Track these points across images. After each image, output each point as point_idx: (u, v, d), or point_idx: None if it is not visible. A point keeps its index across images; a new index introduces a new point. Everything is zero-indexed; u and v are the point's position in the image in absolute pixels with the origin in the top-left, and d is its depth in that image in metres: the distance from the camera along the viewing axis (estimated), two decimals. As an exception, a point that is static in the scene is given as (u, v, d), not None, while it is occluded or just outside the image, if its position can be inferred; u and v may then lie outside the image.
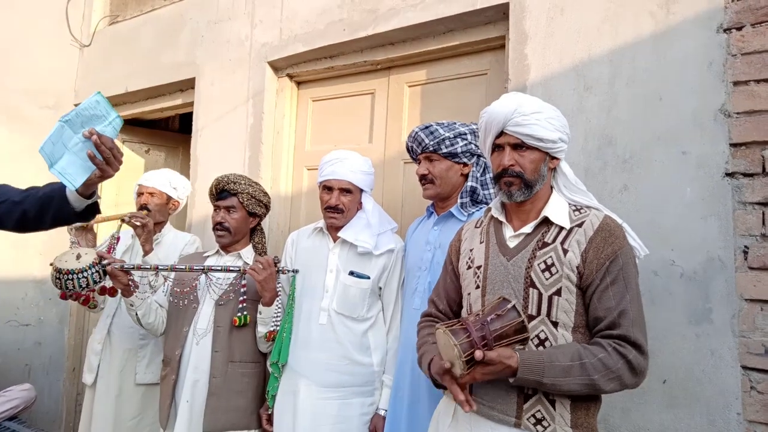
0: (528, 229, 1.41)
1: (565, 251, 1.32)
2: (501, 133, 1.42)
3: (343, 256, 2.07)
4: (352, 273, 2.03)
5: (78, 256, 2.07)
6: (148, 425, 2.45)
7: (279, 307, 2.13)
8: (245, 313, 2.13)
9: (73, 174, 1.43)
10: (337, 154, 2.11)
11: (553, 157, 1.44)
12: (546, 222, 1.40)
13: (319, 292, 2.06)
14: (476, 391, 1.37)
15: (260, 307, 2.12)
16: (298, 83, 3.06)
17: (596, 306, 1.30)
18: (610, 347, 1.25)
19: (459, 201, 1.90)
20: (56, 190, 1.51)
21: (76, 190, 1.49)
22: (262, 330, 2.14)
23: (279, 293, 2.14)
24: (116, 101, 3.81)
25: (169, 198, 2.66)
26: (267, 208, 2.36)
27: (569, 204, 1.44)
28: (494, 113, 1.41)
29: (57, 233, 3.62)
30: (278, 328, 2.11)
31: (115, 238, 2.45)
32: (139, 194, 2.62)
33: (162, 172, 2.71)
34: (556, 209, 1.40)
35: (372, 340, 2.03)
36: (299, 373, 2.02)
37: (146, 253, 2.39)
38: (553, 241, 1.35)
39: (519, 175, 1.39)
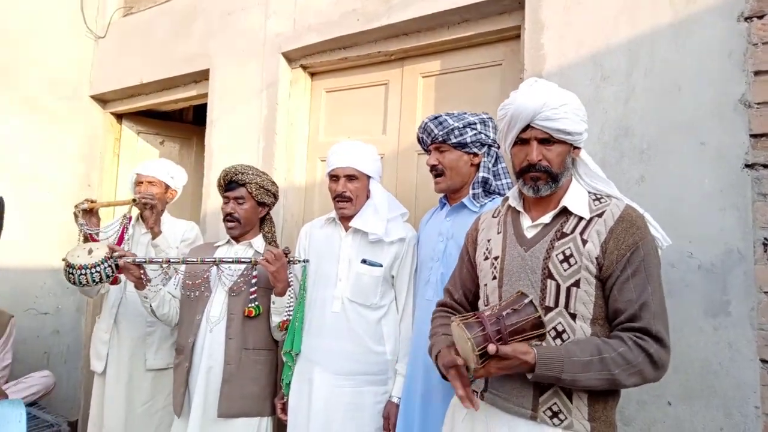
0: (546, 219, 1.39)
1: (585, 242, 1.30)
2: (527, 127, 1.37)
3: (355, 245, 2.08)
4: (364, 261, 2.04)
5: (90, 251, 2.10)
6: (159, 410, 2.49)
7: (291, 297, 2.15)
8: (257, 303, 2.15)
9: None
10: (342, 144, 2.14)
11: (575, 147, 1.41)
12: (565, 212, 1.37)
13: (332, 280, 2.08)
14: (492, 384, 1.36)
15: (273, 297, 2.15)
16: (312, 74, 3.06)
17: (616, 298, 1.27)
18: (631, 341, 1.23)
19: (471, 192, 1.89)
20: None
21: None
22: (275, 319, 2.17)
23: (291, 283, 2.16)
24: (131, 92, 3.84)
25: (167, 187, 2.69)
26: (275, 197, 2.38)
27: (589, 193, 1.41)
28: (521, 107, 1.36)
29: (74, 225, 3.69)
30: (291, 317, 2.13)
31: (128, 218, 2.48)
32: (138, 183, 2.65)
33: (160, 161, 2.75)
34: (576, 199, 1.38)
35: (385, 329, 2.04)
36: (313, 362, 2.04)
37: (155, 235, 2.42)
38: (572, 231, 1.33)
39: (546, 169, 1.36)
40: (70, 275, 2.07)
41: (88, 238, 2.35)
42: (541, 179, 1.37)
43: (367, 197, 2.13)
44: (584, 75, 2.03)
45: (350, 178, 2.07)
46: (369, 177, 2.11)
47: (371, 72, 2.82)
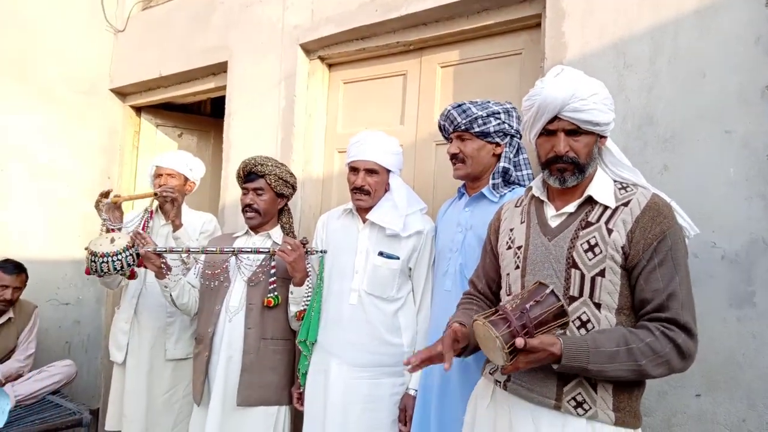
0: (571, 208, 1.37)
1: (610, 231, 1.28)
2: (554, 118, 1.34)
3: (372, 237, 2.08)
4: (381, 253, 2.04)
5: (112, 240, 2.13)
6: (179, 399, 2.52)
7: (309, 287, 2.16)
8: (276, 293, 2.17)
9: None
10: (363, 135, 2.10)
11: (602, 136, 1.38)
12: (590, 201, 1.35)
13: (349, 272, 2.07)
14: (514, 374, 1.35)
15: (291, 287, 2.16)
16: (330, 65, 3.05)
17: (643, 288, 1.25)
18: (658, 331, 1.21)
19: (491, 182, 1.87)
20: None
21: None
22: (293, 309, 2.19)
23: (309, 273, 2.17)
24: (150, 86, 3.87)
25: (186, 179, 2.71)
26: (294, 188, 2.38)
27: (615, 182, 1.39)
28: (549, 98, 1.33)
29: (95, 217, 3.73)
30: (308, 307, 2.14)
31: (149, 212, 2.51)
32: (158, 175, 2.67)
33: (179, 153, 2.77)
34: (601, 188, 1.36)
35: (402, 321, 2.04)
36: (330, 353, 2.05)
37: (176, 228, 2.45)
38: (597, 220, 1.31)
39: (573, 161, 1.34)
40: (93, 263, 2.10)
41: (110, 232, 2.37)
42: (568, 170, 1.35)
43: (386, 190, 2.12)
44: (607, 63, 2.00)
45: (370, 172, 2.06)
46: (389, 171, 2.10)
47: (389, 63, 2.81)
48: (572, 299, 1.29)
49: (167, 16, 3.72)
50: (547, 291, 1.20)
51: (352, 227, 2.15)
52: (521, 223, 1.47)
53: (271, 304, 2.16)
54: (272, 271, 2.18)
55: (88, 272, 2.20)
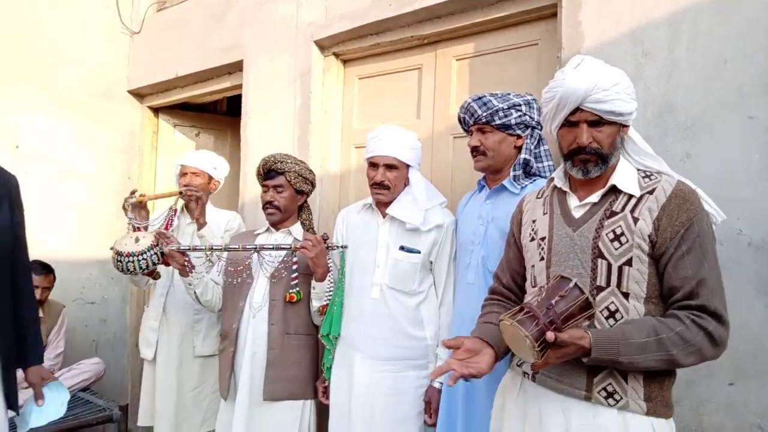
0: (595, 198, 1.36)
1: (636, 220, 1.28)
2: (576, 109, 1.33)
3: (392, 232, 2.09)
4: (402, 248, 2.05)
5: (137, 240, 2.17)
6: (208, 395, 2.56)
7: (331, 282, 2.18)
8: (298, 289, 2.19)
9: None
10: (382, 130, 2.11)
11: (624, 126, 1.37)
12: (614, 190, 1.35)
13: (370, 267, 2.09)
14: None
15: (313, 282, 2.18)
16: (344, 61, 3.06)
17: (671, 276, 1.25)
18: (689, 319, 1.21)
19: (511, 174, 1.87)
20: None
21: None
22: (315, 304, 2.21)
23: (330, 268, 2.19)
24: (166, 86, 3.91)
25: (210, 178, 2.74)
26: (313, 185, 2.40)
27: (638, 170, 1.38)
28: (570, 89, 1.31)
29: (118, 217, 3.80)
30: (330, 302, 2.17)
31: (173, 210, 2.55)
32: (183, 174, 2.70)
33: (203, 152, 2.80)
34: (625, 177, 1.35)
35: (425, 314, 2.05)
36: (354, 347, 2.07)
37: (201, 226, 2.48)
38: (622, 209, 1.31)
39: (596, 152, 1.33)
40: (119, 263, 2.14)
41: (136, 231, 2.42)
42: (591, 161, 1.34)
43: (405, 184, 2.13)
44: (624, 52, 1.98)
45: (390, 167, 2.06)
46: (408, 165, 2.10)
47: (404, 57, 2.82)
48: (599, 289, 1.29)
49: (182, 17, 3.76)
50: (571, 285, 1.20)
51: (372, 222, 2.16)
52: (544, 214, 1.46)
53: (294, 300, 2.18)
54: (294, 267, 2.21)
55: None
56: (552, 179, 1.51)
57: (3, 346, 1.80)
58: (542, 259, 1.41)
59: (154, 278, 2.43)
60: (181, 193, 2.49)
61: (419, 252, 2.03)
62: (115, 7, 3.96)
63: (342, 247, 2.18)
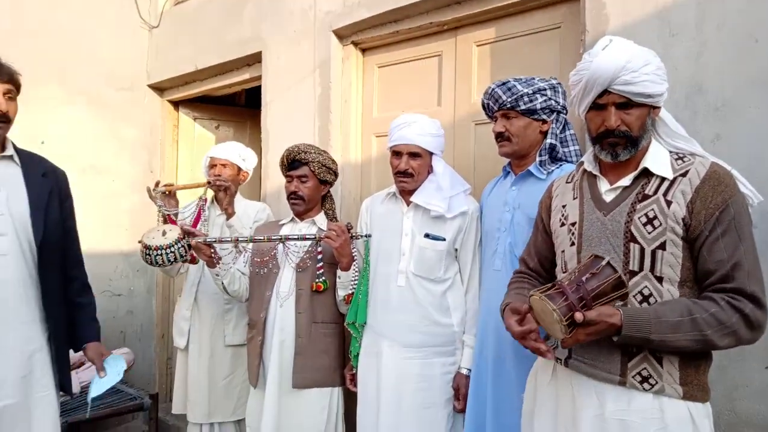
0: (626, 181, 1.34)
1: (669, 203, 1.26)
2: (604, 92, 1.30)
3: (417, 220, 2.09)
4: (427, 235, 2.05)
5: (164, 233, 2.20)
6: (239, 384, 2.60)
7: (356, 271, 2.20)
8: (324, 278, 2.21)
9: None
10: (405, 118, 2.10)
11: (655, 107, 1.35)
12: (646, 173, 1.33)
13: (395, 255, 2.10)
14: (576, 350, 1.35)
15: (338, 271, 2.20)
16: (364, 50, 3.05)
17: (706, 259, 1.23)
18: (723, 301, 1.19)
19: (537, 159, 1.86)
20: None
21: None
22: (341, 293, 2.23)
23: (355, 257, 2.20)
24: (186, 80, 3.94)
25: (239, 169, 2.76)
26: (336, 174, 2.42)
27: (670, 152, 1.36)
28: (598, 71, 1.28)
29: (141, 211, 3.86)
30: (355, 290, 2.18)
31: (203, 200, 2.59)
32: (212, 166, 2.73)
33: (231, 144, 2.82)
34: (657, 159, 1.32)
35: (451, 301, 2.06)
36: (381, 334, 2.08)
37: (229, 216, 2.52)
38: (655, 192, 1.29)
39: (625, 134, 1.31)
40: (147, 256, 2.18)
41: (167, 219, 2.46)
42: (620, 144, 1.32)
43: (429, 172, 2.12)
44: (651, 32, 1.94)
45: (413, 155, 2.06)
46: (432, 153, 2.10)
47: (424, 44, 2.80)
48: (632, 274, 1.28)
49: (200, 10, 3.77)
50: (603, 263, 1.20)
51: (397, 210, 2.17)
52: (574, 198, 1.45)
53: (321, 289, 2.21)
54: (319, 256, 2.23)
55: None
56: (581, 163, 1.49)
57: (54, 333, 1.92)
58: (573, 244, 1.40)
59: (193, 263, 2.51)
60: (209, 183, 2.52)
61: (444, 239, 2.03)
62: (133, 2, 3.98)
63: (366, 236, 2.20)
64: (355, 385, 2.20)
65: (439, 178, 2.08)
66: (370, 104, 3.03)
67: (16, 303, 1.82)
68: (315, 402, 2.22)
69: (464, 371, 2.01)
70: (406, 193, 2.13)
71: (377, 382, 2.06)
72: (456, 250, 2.08)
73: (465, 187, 2.14)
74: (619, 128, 1.31)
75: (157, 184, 2.49)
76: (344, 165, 2.97)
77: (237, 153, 2.75)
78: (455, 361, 2.05)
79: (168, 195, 2.49)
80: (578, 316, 1.14)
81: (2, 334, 1.78)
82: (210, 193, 2.65)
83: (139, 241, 2.23)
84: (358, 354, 2.18)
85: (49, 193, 1.93)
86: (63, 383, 1.98)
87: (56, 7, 3.62)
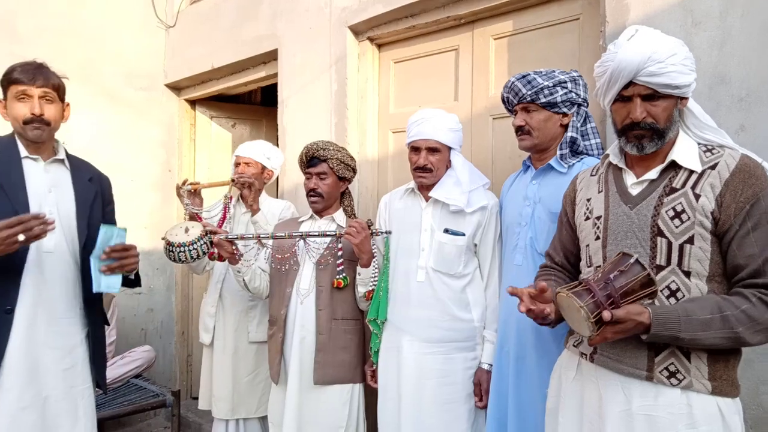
0: (653, 174, 1.32)
1: (697, 196, 1.24)
2: (629, 83, 1.28)
3: (436, 215, 2.09)
4: (446, 230, 2.04)
5: (186, 230, 2.23)
6: (263, 380, 2.62)
7: (376, 268, 2.20)
8: (344, 275, 2.22)
9: (112, 286, 1.89)
10: (423, 113, 2.09)
11: (683, 98, 1.32)
12: (673, 166, 1.30)
13: (415, 251, 2.09)
14: (602, 345, 1.33)
15: (359, 268, 2.20)
16: (379, 46, 3.05)
17: (736, 253, 1.21)
18: (755, 297, 1.17)
19: (558, 152, 1.84)
20: None
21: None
22: (361, 290, 2.23)
23: (375, 254, 2.20)
24: (202, 78, 3.97)
25: (263, 167, 2.78)
26: (354, 171, 2.42)
27: (699, 144, 1.33)
28: (623, 62, 1.26)
29: (160, 210, 3.90)
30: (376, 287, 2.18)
31: (229, 198, 2.62)
32: (237, 164, 2.76)
33: (257, 143, 2.83)
34: (685, 151, 1.30)
35: (471, 296, 2.05)
36: (402, 330, 2.08)
37: (254, 212, 2.54)
38: (683, 186, 1.27)
39: (651, 126, 1.28)
40: (170, 252, 2.20)
41: (193, 217, 2.50)
42: (646, 137, 1.30)
43: (447, 167, 2.12)
44: (673, 22, 1.91)
45: (432, 150, 2.05)
46: (450, 148, 2.09)
47: (440, 38, 2.78)
48: (659, 268, 1.26)
49: (216, 9, 3.79)
50: (632, 260, 1.18)
51: (415, 206, 2.16)
52: (599, 192, 1.43)
53: (341, 286, 2.21)
54: (339, 253, 2.23)
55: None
56: (607, 155, 1.46)
57: (93, 330, 2.00)
58: (598, 238, 1.38)
59: (221, 260, 2.52)
60: (233, 180, 2.55)
61: (464, 234, 2.03)
62: (150, 2, 4.02)
63: (386, 232, 2.20)
64: (376, 382, 2.20)
65: (458, 172, 2.07)
66: (387, 100, 3.02)
67: (61, 299, 1.90)
68: (336, 398, 2.23)
69: (485, 366, 2.00)
70: (424, 189, 2.12)
71: (398, 377, 2.06)
72: (475, 245, 2.07)
73: (484, 181, 2.13)
74: (644, 120, 1.29)
75: (184, 183, 2.53)
76: (361, 161, 2.97)
77: (261, 152, 2.77)
78: (476, 357, 2.04)
79: (193, 193, 2.54)
80: (606, 314, 1.12)
81: (48, 327, 1.86)
82: (236, 192, 2.68)
83: (163, 238, 2.26)
84: (378, 350, 2.18)
85: (93, 196, 2.04)
86: (98, 380, 2.05)
87: (78, 7, 3.66)
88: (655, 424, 1.23)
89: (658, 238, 1.26)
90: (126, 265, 1.89)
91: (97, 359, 2.03)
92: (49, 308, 1.86)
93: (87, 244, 1.94)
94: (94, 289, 1.84)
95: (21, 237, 1.62)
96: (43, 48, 3.33)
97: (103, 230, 1.85)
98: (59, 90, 1.93)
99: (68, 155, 2.04)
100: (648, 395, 1.25)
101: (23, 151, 1.90)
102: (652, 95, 1.28)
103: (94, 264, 1.83)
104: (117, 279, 1.89)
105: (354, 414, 2.26)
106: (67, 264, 1.92)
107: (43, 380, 1.83)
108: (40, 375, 1.82)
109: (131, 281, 2.07)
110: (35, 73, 1.86)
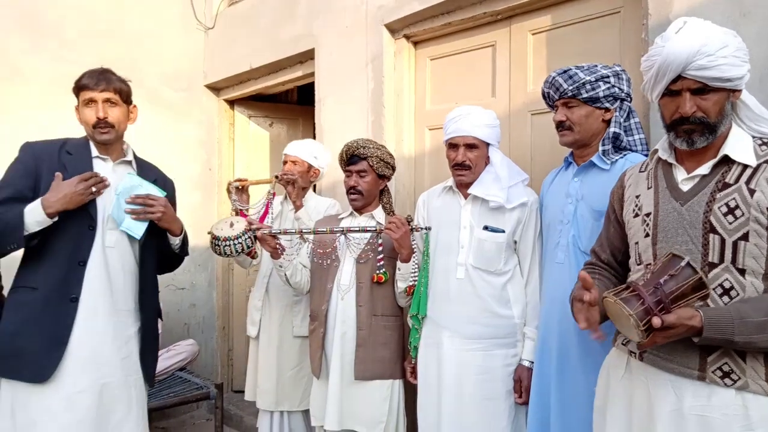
0: (704, 170, 1.29)
1: (752, 191, 1.20)
2: (678, 77, 1.25)
3: (475, 212, 2.09)
4: (486, 227, 2.04)
5: (231, 225, 2.29)
6: (306, 374, 2.66)
7: (416, 263, 2.22)
8: (384, 270, 2.24)
9: (133, 229, 1.99)
10: (460, 110, 2.09)
11: (735, 91, 1.28)
12: (726, 161, 1.27)
13: (454, 248, 2.10)
14: None
15: (398, 263, 2.22)
16: (415, 43, 3.05)
17: None
18: None
19: (600, 148, 1.81)
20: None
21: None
22: (401, 285, 2.25)
23: (414, 251, 2.22)
24: (241, 79, 4.04)
25: (309, 166, 2.82)
26: (393, 169, 2.43)
27: (753, 138, 1.29)
28: (671, 55, 1.23)
29: (201, 208, 3.99)
30: (416, 282, 2.20)
31: (272, 194, 2.69)
32: (284, 162, 2.83)
33: (305, 142, 2.89)
34: (738, 145, 1.26)
35: (511, 293, 2.05)
36: (442, 326, 2.09)
37: (297, 208, 2.59)
38: (736, 181, 1.23)
39: (702, 121, 1.25)
40: (216, 246, 2.27)
41: (239, 213, 2.58)
42: (696, 131, 1.26)
43: (486, 163, 2.12)
44: (719, 14, 1.86)
45: (470, 147, 2.05)
46: (488, 144, 2.09)
47: (477, 34, 2.77)
48: (712, 266, 1.23)
49: (253, 10, 3.86)
50: (683, 264, 1.14)
51: (454, 204, 2.17)
52: (648, 188, 1.40)
53: (381, 281, 2.24)
54: (380, 248, 2.25)
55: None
56: (656, 151, 1.43)
57: (145, 324, 2.10)
58: (647, 235, 1.35)
59: (252, 257, 2.65)
60: (277, 177, 2.61)
61: (503, 231, 2.02)
62: (189, 4, 4.11)
63: (426, 228, 2.21)
64: (416, 378, 2.22)
65: (497, 168, 2.06)
66: (423, 97, 3.03)
67: (120, 292, 2.00)
68: (377, 393, 2.26)
69: (526, 363, 2.00)
70: (463, 186, 2.12)
71: (438, 372, 2.07)
72: (515, 242, 2.06)
73: (523, 176, 2.12)
74: (694, 114, 1.26)
75: (236, 180, 2.64)
76: (398, 159, 2.97)
77: (308, 150, 2.82)
78: (517, 353, 2.04)
79: (240, 190, 2.63)
80: (656, 321, 1.10)
81: (108, 317, 1.96)
82: (280, 189, 2.74)
83: (209, 232, 2.33)
84: (417, 346, 2.20)
85: None
86: (147, 373, 2.11)
87: (120, 11, 3.78)
88: (708, 425, 1.20)
89: (711, 235, 1.23)
90: (150, 212, 2.00)
91: (147, 353, 2.10)
92: (110, 300, 1.96)
93: (146, 242, 2.05)
94: (118, 227, 1.96)
95: (93, 189, 1.86)
96: (89, 51, 3.45)
97: (128, 177, 2.01)
98: (122, 93, 2.04)
99: (136, 157, 2.19)
100: (700, 395, 1.22)
101: (94, 151, 2.05)
102: (702, 89, 1.25)
103: (117, 202, 1.96)
104: (139, 225, 1.99)
105: (394, 409, 2.28)
106: (126, 259, 2.03)
107: (103, 368, 1.92)
108: (99, 362, 1.92)
109: (179, 249, 2.21)
110: (99, 78, 1.97)
